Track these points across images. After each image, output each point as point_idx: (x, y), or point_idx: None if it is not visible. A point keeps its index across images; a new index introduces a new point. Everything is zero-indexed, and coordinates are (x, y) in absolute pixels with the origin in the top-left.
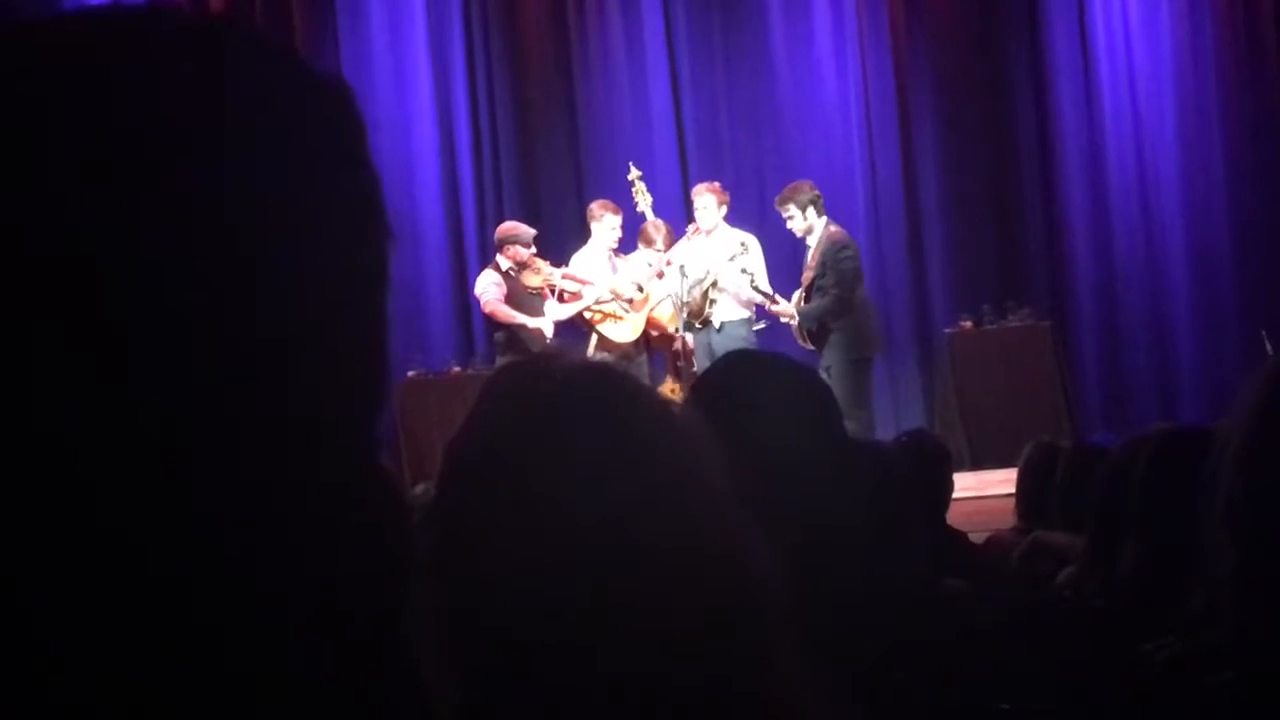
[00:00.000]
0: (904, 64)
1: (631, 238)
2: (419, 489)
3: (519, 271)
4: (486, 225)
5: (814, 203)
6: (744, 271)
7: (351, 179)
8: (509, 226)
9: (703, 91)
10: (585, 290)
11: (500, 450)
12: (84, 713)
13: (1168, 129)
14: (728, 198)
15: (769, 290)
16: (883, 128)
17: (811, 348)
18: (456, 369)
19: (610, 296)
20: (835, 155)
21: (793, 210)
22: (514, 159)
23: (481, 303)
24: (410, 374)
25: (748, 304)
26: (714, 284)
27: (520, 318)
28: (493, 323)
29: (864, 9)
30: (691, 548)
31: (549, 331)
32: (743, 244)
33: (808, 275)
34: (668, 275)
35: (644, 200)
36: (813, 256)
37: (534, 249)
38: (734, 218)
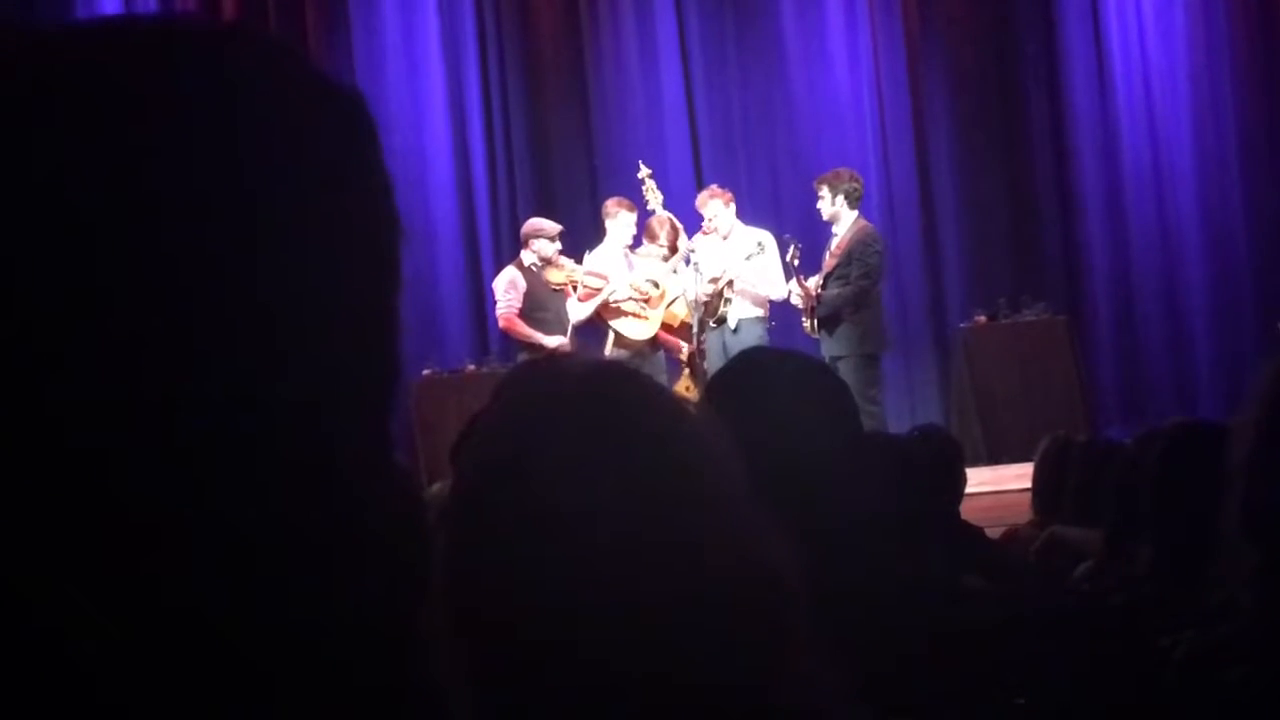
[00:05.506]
0: (917, 58)
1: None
2: (435, 488)
3: (542, 267)
4: (500, 223)
5: (849, 194)
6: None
7: (364, 184)
8: (535, 222)
9: (715, 87)
10: (604, 286)
11: (514, 449)
12: (97, 713)
13: (1182, 123)
14: (731, 195)
15: (802, 281)
16: (896, 122)
17: (817, 336)
18: (471, 367)
19: (629, 294)
20: (849, 150)
21: (825, 193)
22: (527, 157)
23: (498, 314)
24: (425, 373)
25: (763, 303)
26: (729, 284)
27: (538, 336)
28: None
29: (876, 3)
30: (706, 546)
31: (568, 347)
32: (760, 244)
33: (830, 262)
34: (682, 271)
35: (654, 198)
36: (838, 245)
37: (559, 245)
38: (747, 213)
